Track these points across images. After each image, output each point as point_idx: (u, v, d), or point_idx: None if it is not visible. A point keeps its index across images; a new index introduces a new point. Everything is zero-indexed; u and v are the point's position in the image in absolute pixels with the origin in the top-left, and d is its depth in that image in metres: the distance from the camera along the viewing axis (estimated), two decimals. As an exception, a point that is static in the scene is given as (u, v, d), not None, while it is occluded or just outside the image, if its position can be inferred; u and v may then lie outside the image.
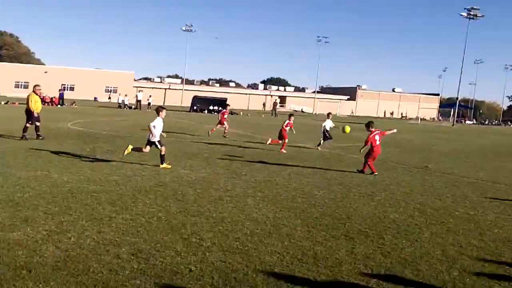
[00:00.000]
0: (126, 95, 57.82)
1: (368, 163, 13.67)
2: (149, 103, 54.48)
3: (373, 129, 14.16)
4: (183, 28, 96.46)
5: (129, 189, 9.63)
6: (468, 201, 10.51)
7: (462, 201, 10.53)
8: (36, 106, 17.49)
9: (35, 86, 18.05)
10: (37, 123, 17.31)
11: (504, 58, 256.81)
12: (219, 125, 24.39)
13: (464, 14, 74.63)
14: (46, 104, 47.90)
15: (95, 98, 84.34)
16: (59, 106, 49.39)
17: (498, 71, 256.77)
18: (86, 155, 13.99)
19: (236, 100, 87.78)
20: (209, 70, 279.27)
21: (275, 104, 65.10)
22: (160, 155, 12.65)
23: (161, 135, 12.95)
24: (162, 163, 12.58)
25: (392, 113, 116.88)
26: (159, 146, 12.72)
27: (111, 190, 9.43)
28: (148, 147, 12.86)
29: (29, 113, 17.29)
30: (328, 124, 21.23)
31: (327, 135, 21.05)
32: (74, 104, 52.20)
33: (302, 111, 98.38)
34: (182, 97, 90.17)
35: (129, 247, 6.13)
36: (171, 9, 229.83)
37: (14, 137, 17.06)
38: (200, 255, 6.02)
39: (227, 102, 37.73)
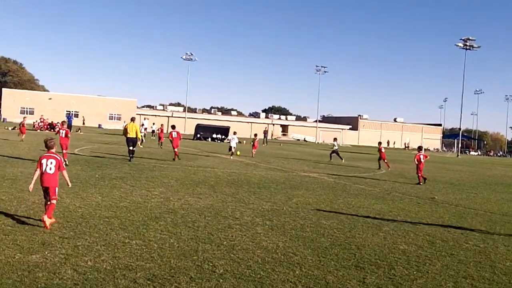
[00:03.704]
0: (154, 123, 58.83)
1: (419, 174, 20.79)
2: (153, 131, 54.81)
3: (420, 151, 21.84)
4: (183, 57, 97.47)
5: (139, 215, 9.75)
6: (477, 233, 10.54)
7: (471, 233, 10.54)
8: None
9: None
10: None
11: (504, 89, 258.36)
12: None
13: (460, 44, 75.09)
14: (51, 130, 48.38)
15: (99, 125, 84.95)
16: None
17: (499, 102, 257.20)
18: (96, 181, 14.14)
19: (239, 129, 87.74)
20: (210, 99, 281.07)
21: (265, 132, 65.39)
22: None
23: None
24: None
25: (394, 143, 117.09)
26: None
27: (122, 216, 9.55)
28: None
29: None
30: (336, 146, 34.03)
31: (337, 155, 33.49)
32: (79, 130, 52.58)
33: (304, 140, 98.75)
34: (185, 125, 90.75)
35: (145, 272, 6.22)
36: (173, 37, 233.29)
37: (26, 159, 17.23)
38: (214, 281, 6.09)
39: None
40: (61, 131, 19.73)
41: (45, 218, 8.08)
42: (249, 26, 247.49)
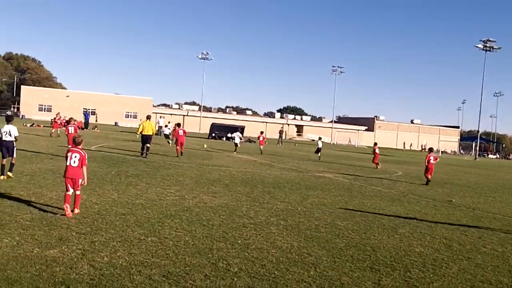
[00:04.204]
0: (169, 122, 57.70)
1: (426, 175, 21.28)
2: (166, 134, 54.82)
3: (431, 152, 22.42)
4: (199, 56, 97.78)
5: (155, 212, 9.82)
6: (495, 237, 10.37)
7: (489, 237, 10.40)
8: None
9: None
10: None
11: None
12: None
13: (480, 46, 74.18)
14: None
15: (115, 123, 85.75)
16: (84, 130, 50.27)
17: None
18: (112, 178, 14.27)
19: (254, 128, 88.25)
20: (226, 98, 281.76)
21: (281, 132, 65.27)
22: None
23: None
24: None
25: (411, 145, 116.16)
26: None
27: (138, 213, 9.64)
28: None
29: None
30: (320, 143, 36.11)
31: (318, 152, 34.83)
32: (96, 128, 53.13)
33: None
34: (200, 124, 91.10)
35: (160, 269, 6.27)
36: (189, 37, 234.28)
37: (44, 156, 17.46)
38: (229, 280, 6.10)
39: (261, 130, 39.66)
40: (69, 128, 21.39)
41: (67, 206, 8.87)
42: (265, 25, 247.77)
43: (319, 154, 34.65)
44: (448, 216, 12.73)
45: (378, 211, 12.49)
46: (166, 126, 47.43)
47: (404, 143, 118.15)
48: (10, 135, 13.01)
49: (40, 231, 7.57)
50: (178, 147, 25.42)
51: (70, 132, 21.02)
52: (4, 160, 12.77)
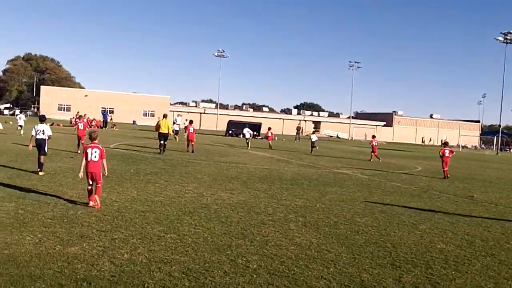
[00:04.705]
0: (187, 119, 57.14)
1: (444, 169, 21.41)
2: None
3: (446, 146, 22.48)
4: (215, 54, 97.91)
5: (174, 209, 9.87)
6: (519, 234, 10.18)
7: (512, 233, 10.21)
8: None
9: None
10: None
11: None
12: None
13: (500, 38, 72.59)
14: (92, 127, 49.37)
15: (133, 121, 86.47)
16: (103, 128, 50.85)
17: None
18: (131, 176, 14.39)
19: (270, 125, 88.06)
20: (242, 95, 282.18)
21: (298, 128, 65.04)
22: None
23: None
24: None
25: (430, 140, 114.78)
26: None
27: (157, 210, 9.69)
28: None
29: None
30: (314, 138, 35.79)
31: (314, 146, 34.82)
32: (115, 127, 53.63)
33: (337, 137, 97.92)
34: (217, 121, 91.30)
35: (179, 265, 6.29)
36: (205, 35, 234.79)
37: (64, 152, 17.68)
38: (248, 276, 6.10)
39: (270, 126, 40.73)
40: (79, 124, 22.42)
41: (96, 197, 9.50)
42: (281, 21, 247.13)
43: (315, 148, 34.92)
44: (470, 212, 12.53)
45: (397, 207, 12.36)
46: (174, 123, 47.75)
47: (422, 138, 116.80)
48: (43, 133, 13.94)
49: (62, 229, 7.67)
50: (192, 143, 26.11)
51: (79, 128, 22.12)
52: (42, 157, 13.74)
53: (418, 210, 12.24)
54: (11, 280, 5.34)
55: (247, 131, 36.92)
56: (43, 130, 14.00)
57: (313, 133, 38.69)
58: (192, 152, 25.44)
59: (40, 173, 13.46)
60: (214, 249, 7.18)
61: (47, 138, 14.10)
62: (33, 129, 14.07)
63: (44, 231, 7.50)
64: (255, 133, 60.16)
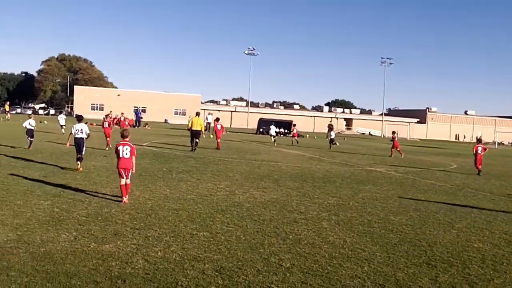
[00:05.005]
0: (210, 113, 58.00)
1: (476, 166, 21.46)
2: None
3: (479, 143, 21.94)
4: (246, 52, 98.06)
5: (206, 208, 9.92)
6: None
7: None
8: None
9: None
10: None
11: None
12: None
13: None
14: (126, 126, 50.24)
15: (165, 120, 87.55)
16: (136, 127, 51.68)
17: None
18: (164, 174, 14.55)
19: (302, 123, 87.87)
20: (273, 93, 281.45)
21: (330, 126, 64.51)
22: None
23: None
24: None
25: (464, 137, 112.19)
26: None
27: (189, 208, 9.77)
28: None
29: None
30: (332, 134, 37.36)
31: (334, 143, 36.09)
32: (147, 126, 54.41)
33: (370, 134, 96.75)
34: (248, 120, 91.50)
35: (212, 263, 6.31)
36: (235, 33, 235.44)
37: (97, 151, 18.03)
38: (281, 275, 6.07)
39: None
40: (105, 122, 23.49)
41: (126, 195, 9.98)
42: (311, 18, 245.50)
43: (334, 144, 36.03)
44: (507, 210, 12.17)
45: (432, 206, 12.10)
46: (206, 119, 47.91)
47: (457, 135, 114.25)
48: (82, 132, 14.57)
49: (96, 227, 7.81)
50: (218, 141, 26.82)
51: (104, 126, 23.14)
52: (79, 154, 14.38)
53: (453, 208, 11.96)
54: (48, 277, 5.46)
55: (272, 128, 38.78)
56: (81, 129, 14.62)
57: (332, 129, 39.38)
58: (218, 149, 25.79)
59: (80, 168, 14.12)
60: (247, 247, 7.18)
61: (85, 137, 14.71)
62: (72, 128, 14.72)
63: (79, 229, 7.65)
64: (286, 130, 60.07)
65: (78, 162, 14.28)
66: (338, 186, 14.53)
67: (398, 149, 30.39)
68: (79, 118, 15.16)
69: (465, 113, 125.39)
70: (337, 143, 36.48)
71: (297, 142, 38.04)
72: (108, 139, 22.65)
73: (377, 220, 9.85)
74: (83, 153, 14.60)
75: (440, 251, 7.74)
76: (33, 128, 20.42)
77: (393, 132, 32.14)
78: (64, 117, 36.46)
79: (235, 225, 8.55)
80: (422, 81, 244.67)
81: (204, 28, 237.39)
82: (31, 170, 13.86)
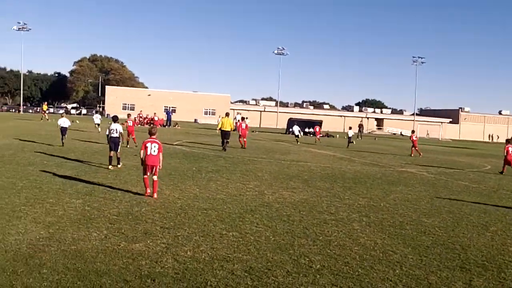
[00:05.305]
0: (246, 117, 58.01)
1: (504, 165, 21.57)
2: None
3: (509, 144, 21.79)
4: (275, 52, 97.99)
5: (235, 207, 9.91)
6: None
7: None
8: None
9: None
10: None
11: None
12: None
13: None
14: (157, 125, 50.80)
15: (195, 119, 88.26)
16: (166, 127, 52.30)
17: None
18: (193, 174, 14.64)
19: (331, 123, 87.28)
20: (302, 92, 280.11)
21: (360, 126, 63.82)
22: None
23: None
24: None
25: (498, 137, 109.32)
26: None
27: (219, 208, 9.78)
28: None
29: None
30: (350, 133, 36.83)
31: (351, 141, 36.53)
32: (177, 125, 54.98)
33: (401, 134, 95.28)
34: (277, 119, 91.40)
35: (242, 264, 6.29)
36: (265, 32, 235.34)
37: (128, 150, 18.26)
38: (311, 277, 6.00)
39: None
40: (128, 121, 23.93)
41: (149, 188, 10.46)
42: (341, 17, 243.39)
43: (352, 143, 36.60)
44: (546, 213, 11.76)
45: (466, 207, 11.80)
46: (235, 118, 48.04)
47: (490, 136, 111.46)
48: (116, 132, 15.22)
49: (126, 225, 7.89)
50: (241, 140, 27.10)
51: (129, 125, 23.72)
52: (112, 153, 15.11)
53: (488, 210, 11.64)
54: (78, 275, 5.53)
55: (295, 128, 39.50)
56: (117, 129, 15.28)
57: (350, 128, 39.09)
58: (243, 148, 26.18)
59: (119, 166, 14.97)
60: (276, 248, 7.13)
61: (120, 136, 15.37)
62: (107, 129, 15.43)
63: (110, 227, 7.73)
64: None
65: (118, 164, 15.05)
66: (368, 187, 14.33)
67: (416, 148, 30.62)
68: (115, 119, 15.76)
69: (499, 113, 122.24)
70: (354, 141, 37.15)
71: (319, 141, 39.65)
72: (133, 137, 23.20)
73: (409, 222, 9.66)
74: (118, 151, 15.21)
75: (474, 255, 7.53)
76: (66, 126, 21.95)
77: (412, 132, 32.69)
78: (99, 116, 37.83)
79: (264, 226, 8.51)
80: (454, 81, 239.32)
81: (234, 27, 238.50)
82: (63, 168, 14.15)
